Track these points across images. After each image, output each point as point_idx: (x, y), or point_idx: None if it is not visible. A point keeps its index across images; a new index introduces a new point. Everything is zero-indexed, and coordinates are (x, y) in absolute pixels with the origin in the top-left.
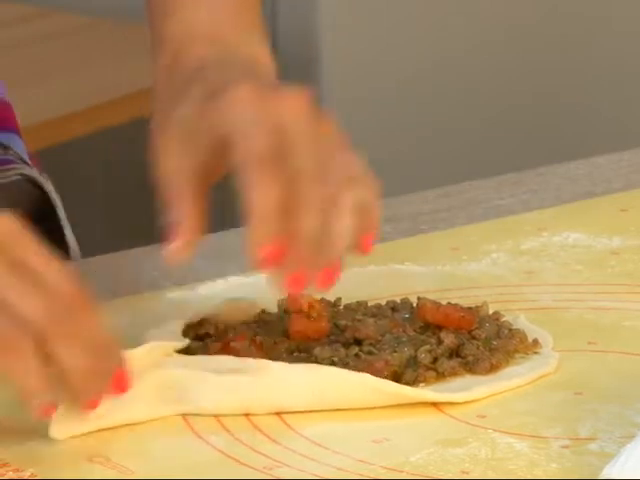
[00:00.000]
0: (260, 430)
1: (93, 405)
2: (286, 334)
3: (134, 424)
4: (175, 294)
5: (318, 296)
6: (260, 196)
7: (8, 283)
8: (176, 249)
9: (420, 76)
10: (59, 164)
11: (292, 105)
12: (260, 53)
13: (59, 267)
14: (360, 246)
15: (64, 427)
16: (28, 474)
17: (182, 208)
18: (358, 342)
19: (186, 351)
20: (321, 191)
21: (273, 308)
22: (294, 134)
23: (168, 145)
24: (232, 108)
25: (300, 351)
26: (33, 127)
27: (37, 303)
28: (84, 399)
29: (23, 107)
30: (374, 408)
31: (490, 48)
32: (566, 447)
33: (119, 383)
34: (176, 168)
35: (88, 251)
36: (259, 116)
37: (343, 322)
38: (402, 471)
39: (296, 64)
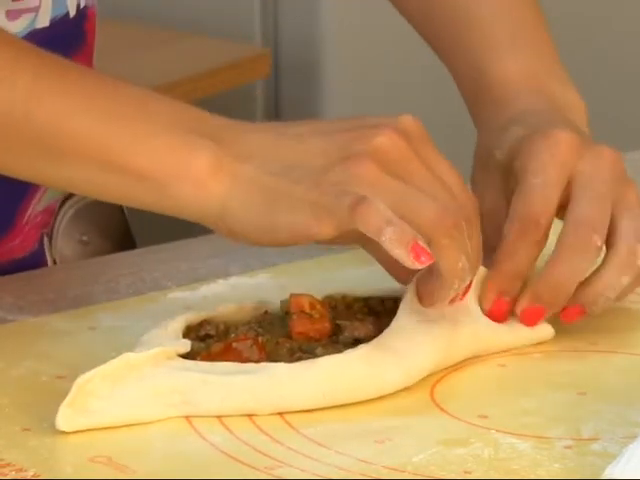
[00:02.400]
0: (262, 430)
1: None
2: (288, 334)
3: (136, 425)
4: (177, 294)
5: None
6: (504, 255)
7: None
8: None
9: (424, 76)
10: None
11: (600, 160)
12: (574, 101)
13: (455, 178)
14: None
15: (70, 420)
16: (30, 474)
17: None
18: (359, 341)
19: (188, 352)
20: (592, 238)
21: (275, 309)
22: (583, 189)
23: (487, 188)
24: (538, 153)
25: (302, 351)
26: None
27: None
28: (445, 296)
29: None
30: (376, 408)
31: None
32: (569, 447)
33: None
34: (491, 217)
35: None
36: (558, 171)
37: (343, 322)
38: (404, 471)
39: (298, 66)
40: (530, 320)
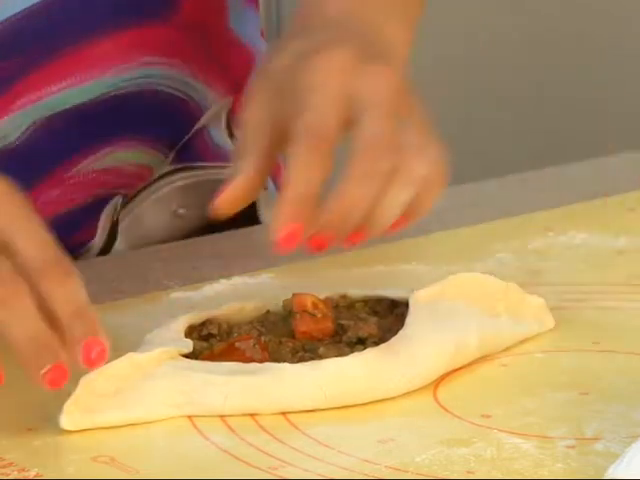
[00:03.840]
0: (265, 430)
1: (52, 384)
2: (291, 334)
3: (138, 425)
4: (179, 294)
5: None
6: (296, 177)
7: None
8: (223, 201)
9: (426, 76)
10: None
11: (376, 79)
12: (396, 28)
13: (37, 234)
14: (401, 220)
15: (75, 420)
16: (33, 474)
17: (246, 161)
18: (362, 341)
19: (191, 352)
20: (379, 162)
21: (278, 308)
22: (364, 109)
23: (256, 95)
24: (315, 72)
25: (305, 351)
26: None
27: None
28: (33, 373)
29: None
30: (379, 408)
31: (497, 49)
32: (571, 447)
33: (86, 355)
34: (255, 119)
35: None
36: (334, 89)
37: (346, 322)
38: (407, 471)
39: None
40: (317, 247)
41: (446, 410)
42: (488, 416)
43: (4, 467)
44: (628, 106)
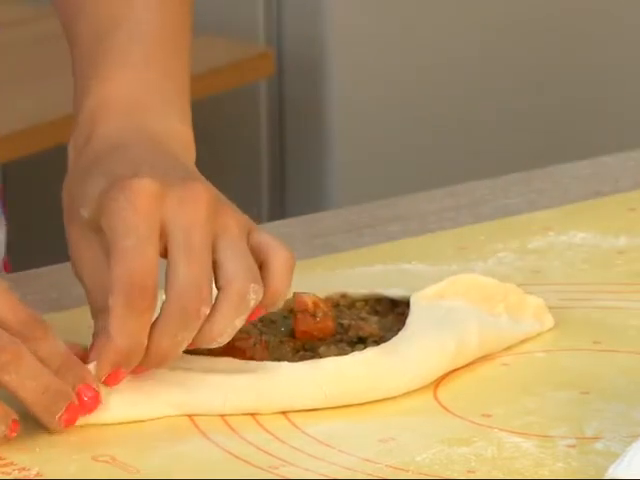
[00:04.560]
0: (266, 429)
1: (67, 424)
2: (292, 333)
3: (139, 424)
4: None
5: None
6: (115, 332)
7: None
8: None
9: (427, 76)
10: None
11: (185, 206)
12: (178, 130)
13: (6, 298)
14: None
15: None
16: (33, 473)
17: (101, 322)
18: (362, 340)
19: (191, 350)
20: (191, 306)
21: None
22: (175, 247)
23: (82, 250)
24: (122, 212)
25: (306, 350)
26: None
27: None
28: (49, 421)
29: (32, 106)
30: (380, 407)
31: (498, 47)
32: (572, 446)
33: (83, 401)
34: (95, 280)
35: None
36: (145, 229)
37: (347, 321)
38: (408, 470)
39: (302, 65)
40: (112, 381)
41: (447, 409)
42: (489, 415)
43: (5, 466)
44: (629, 106)
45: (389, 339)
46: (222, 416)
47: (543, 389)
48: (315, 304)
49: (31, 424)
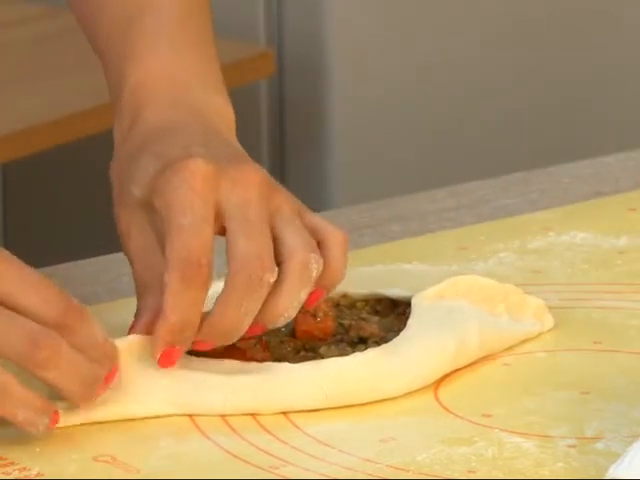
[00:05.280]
0: (266, 429)
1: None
2: (292, 333)
3: (140, 424)
4: None
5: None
6: (171, 307)
7: None
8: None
9: (428, 75)
10: (74, 161)
11: (240, 184)
12: (221, 107)
13: (41, 289)
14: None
15: (67, 415)
16: (34, 473)
17: (147, 300)
18: (363, 340)
19: (192, 351)
20: (258, 274)
21: None
22: (235, 222)
23: (132, 228)
24: (178, 190)
25: (306, 350)
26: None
27: (12, 335)
28: (84, 403)
29: (34, 105)
30: (380, 407)
31: (498, 47)
32: (572, 446)
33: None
34: (143, 257)
35: (92, 251)
36: (201, 206)
37: (347, 321)
38: (408, 470)
39: (302, 65)
40: (167, 360)
41: (447, 409)
42: (489, 415)
43: (5, 466)
44: (629, 106)
45: (390, 339)
46: (222, 416)
47: (544, 389)
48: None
49: None
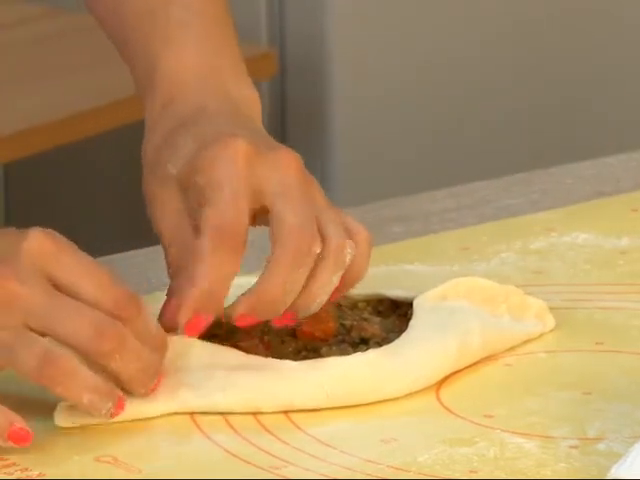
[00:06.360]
0: (267, 429)
1: (152, 391)
2: (293, 334)
3: (141, 425)
4: None
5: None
6: (200, 274)
7: (49, 312)
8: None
9: (428, 76)
10: (74, 161)
11: (281, 166)
12: (250, 96)
13: (97, 277)
14: (335, 293)
15: (68, 415)
16: (36, 474)
17: (178, 281)
18: (365, 341)
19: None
20: (304, 247)
21: None
22: (277, 198)
23: (165, 205)
24: (219, 165)
25: (308, 351)
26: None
27: (79, 325)
28: (141, 392)
29: (41, 104)
30: (382, 407)
31: (499, 47)
32: (574, 447)
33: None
34: (176, 235)
35: (92, 251)
36: (241, 182)
37: (349, 322)
38: (410, 471)
39: (304, 65)
40: (193, 328)
41: (449, 410)
42: (491, 416)
43: (7, 467)
44: (630, 106)
45: (392, 340)
46: (224, 416)
47: (545, 390)
48: None
49: (32, 424)
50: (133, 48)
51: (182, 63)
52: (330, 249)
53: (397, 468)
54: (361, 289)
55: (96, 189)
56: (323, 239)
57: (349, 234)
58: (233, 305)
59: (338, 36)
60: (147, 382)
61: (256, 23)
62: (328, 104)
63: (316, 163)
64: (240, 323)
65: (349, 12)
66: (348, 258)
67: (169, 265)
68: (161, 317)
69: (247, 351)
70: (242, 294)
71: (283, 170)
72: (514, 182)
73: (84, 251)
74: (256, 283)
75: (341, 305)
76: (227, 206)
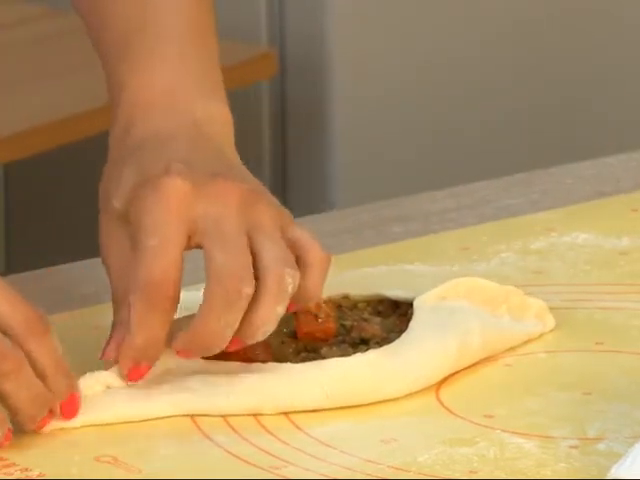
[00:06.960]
0: (267, 430)
1: (40, 427)
2: (294, 334)
3: (141, 425)
4: (181, 295)
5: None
6: (135, 327)
7: None
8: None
9: (428, 75)
10: (74, 161)
11: (216, 201)
12: (217, 114)
13: (7, 294)
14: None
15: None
16: (36, 474)
17: (122, 313)
18: (365, 341)
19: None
20: (235, 288)
21: None
22: (210, 238)
23: (112, 240)
24: (152, 210)
25: (308, 351)
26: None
27: None
28: (30, 425)
29: (37, 105)
30: (382, 408)
31: (499, 47)
32: (574, 447)
33: (68, 409)
34: (121, 272)
35: (92, 251)
36: (174, 227)
37: (349, 322)
38: (410, 471)
39: (304, 66)
40: (134, 376)
41: (449, 410)
42: (491, 416)
43: (7, 467)
44: (630, 106)
45: (392, 340)
46: (224, 417)
47: (545, 390)
48: (317, 305)
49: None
50: (107, 68)
51: (146, 88)
52: (267, 283)
53: (397, 468)
54: (361, 289)
55: (96, 190)
56: (261, 271)
57: (302, 253)
58: (174, 339)
59: (338, 36)
60: (35, 415)
61: (256, 23)
62: (328, 104)
63: (316, 163)
64: (182, 356)
65: (349, 12)
66: (290, 287)
67: (112, 298)
68: (103, 352)
69: (246, 352)
70: (181, 331)
71: (220, 202)
72: (514, 182)
73: (84, 251)
74: (191, 324)
75: (341, 305)
76: (155, 260)
